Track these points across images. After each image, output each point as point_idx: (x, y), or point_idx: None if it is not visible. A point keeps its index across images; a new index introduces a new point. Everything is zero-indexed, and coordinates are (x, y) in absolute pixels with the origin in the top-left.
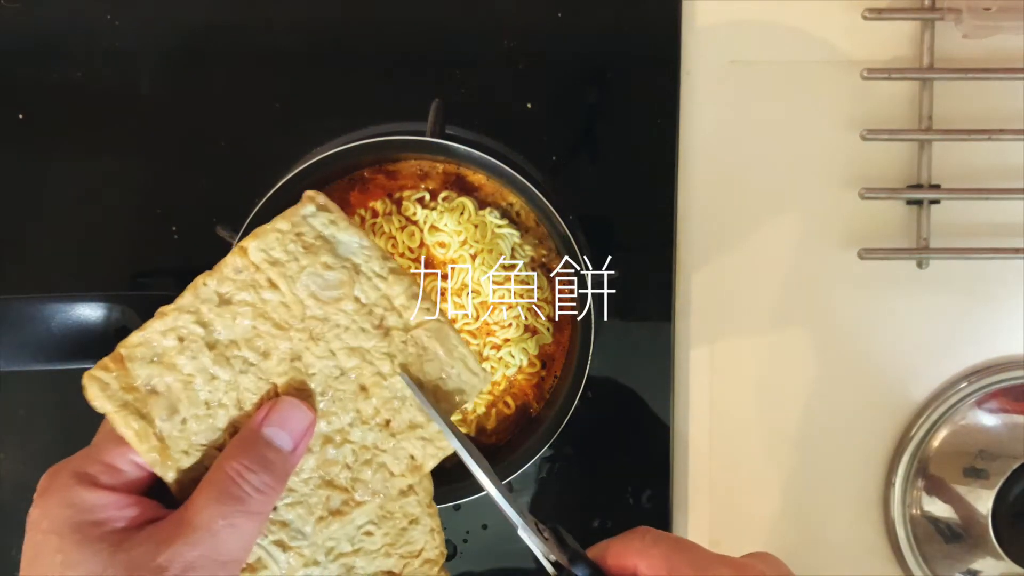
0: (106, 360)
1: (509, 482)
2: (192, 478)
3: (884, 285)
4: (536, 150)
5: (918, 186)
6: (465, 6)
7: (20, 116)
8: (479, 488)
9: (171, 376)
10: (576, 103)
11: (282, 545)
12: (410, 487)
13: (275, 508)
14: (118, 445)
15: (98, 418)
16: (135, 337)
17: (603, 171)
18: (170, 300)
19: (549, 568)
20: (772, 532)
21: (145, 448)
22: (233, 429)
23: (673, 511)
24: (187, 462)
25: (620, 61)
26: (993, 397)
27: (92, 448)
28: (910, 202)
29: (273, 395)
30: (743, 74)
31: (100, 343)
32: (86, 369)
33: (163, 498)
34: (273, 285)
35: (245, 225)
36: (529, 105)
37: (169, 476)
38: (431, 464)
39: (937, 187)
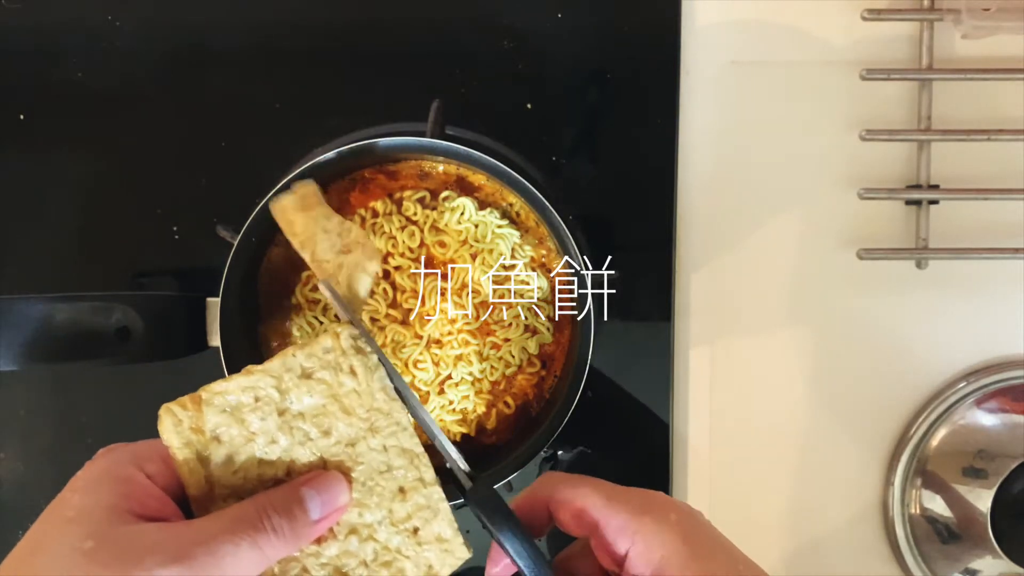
0: (185, 399)
1: (509, 482)
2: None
3: (883, 285)
4: (536, 150)
5: (917, 186)
6: (465, 6)
7: (20, 116)
8: None
9: (237, 429)
10: (576, 103)
11: None
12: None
13: None
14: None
15: (97, 415)
16: (218, 386)
17: (603, 171)
18: (171, 299)
19: (463, 480)
20: (772, 531)
21: (192, 482)
22: (273, 485)
23: None
24: (222, 506)
25: (620, 61)
26: (992, 397)
27: (154, 442)
28: (909, 202)
29: (320, 467)
30: (743, 74)
31: (100, 343)
32: (86, 369)
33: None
34: (353, 372)
35: (245, 225)
36: (529, 105)
37: (201, 512)
38: (447, 573)
39: (936, 187)
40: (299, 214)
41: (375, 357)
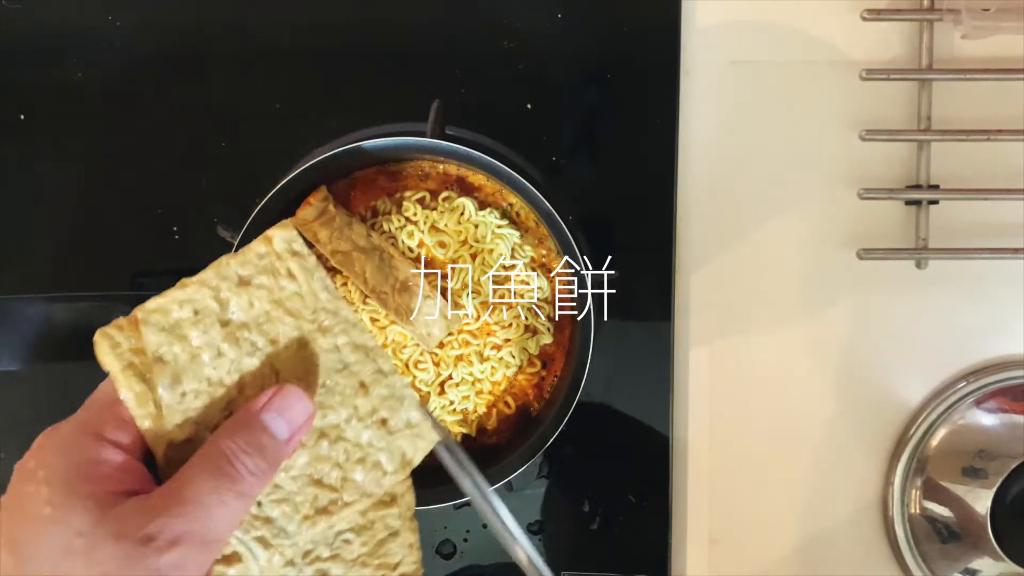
0: (121, 320)
1: (509, 481)
2: (180, 457)
3: (883, 285)
4: (536, 150)
5: (917, 186)
6: (465, 6)
7: (20, 116)
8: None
9: (180, 346)
10: (576, 103)
11: (263, 542)
12: (392, 499)
13: (259, 504)
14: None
15: None
16: (152, 303)
17: (603, 171)
18: None
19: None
20: (772, 531)
21: (142, 413)
22: (230, 412)
23: (673, 511)
24: (179, 436)
25: (620, 61)
26: (992, 397)
27: (99, 402)
28: (909, 202)
29: (275, 383)
30: (743, 74)
31: None
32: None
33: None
34: (292, 275)
35: (246, 225)
36: (529, 105)
37: (159, 448)
38: (420, 458)
39: (936, 187)
40: (323, 229)
41: (313, 258)
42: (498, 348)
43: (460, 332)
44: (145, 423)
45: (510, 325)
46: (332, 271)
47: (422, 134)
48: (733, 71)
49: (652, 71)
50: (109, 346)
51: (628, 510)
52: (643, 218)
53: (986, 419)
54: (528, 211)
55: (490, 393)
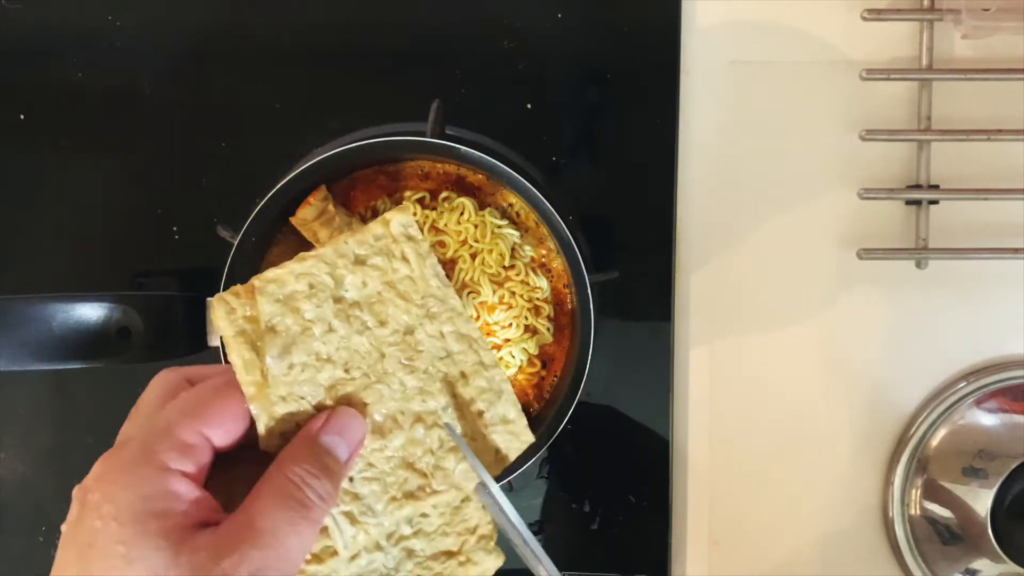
0: (238, 288)
1: (509, 481)
2: (281, 431)
3: (883, 285)
4: (536, 150)
5: (917, 186)
6: (465, 6)
7: (20, 116)
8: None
9: (292, 318)
10: (576, 103)
11: (351, 517)
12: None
13: (351, 479)
14: (190, 418)
15: (97, 415)
16: (270, 273)
17: (603, 171)
18: (171, 299)
19: None
20: (772, 532)
21: (249, 380)
22: (334, 391)
23: (673, 511)
24: (281, 410)
25: (620, 61)
26: (992, 397)
27: (159, 425)
28: (909, 202)
29: (380, 363)
30: (743, 74)
31: (100, 343)
32: (86, 369)
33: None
34: (405, 259)
35: (245, 225)
36: (529, 105)
37: (262, 419)
38: (513, 456)
39: (936, 187)
40: (323, 228)
41: (426, 244)
42: (498, 348)
43: None
44: (251, 390)
45: (510, 325)
46: None
47: (422, 134)
48: (733, 71)
49: (652, 71)
50: (224, 311)
51: (628, 510)
52: (643, 218)
53: (986, 419)
54: (528, 211)
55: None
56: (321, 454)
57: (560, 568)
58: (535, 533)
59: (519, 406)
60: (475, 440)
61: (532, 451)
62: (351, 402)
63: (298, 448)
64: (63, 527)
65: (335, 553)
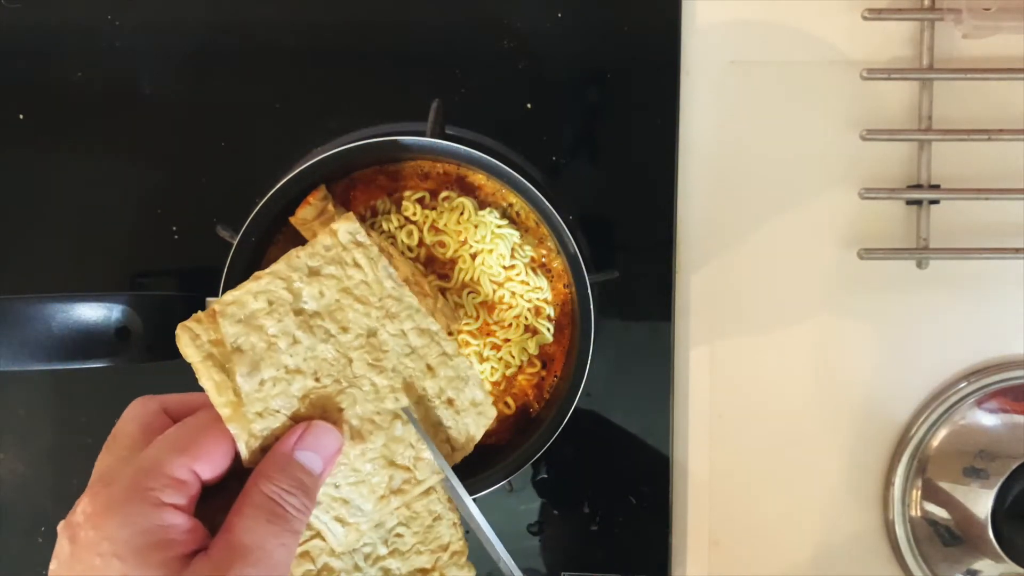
0: (200, 314)
1: (509, 481)
2: (262, 447)
3: (884, 285)
4: (536, 150)
5: (918, 186)
6: (465, 6)
7: (20, 116)
8: (478, 488)
9: (256, 336)
10: (576, 103)
11: (341, 520)
12: (430, 488)
13: (337, 486)
14: (180, 454)
15: (97, 415)
16: (229, 296)
17: (603, 171)
18: (171, 299)
19: None
20: (772, 533)
21: (222, 401)
22: (307, 401)
23: (673, 511)
24: (259, 426)
25: (620, 61)
26: (993, 397)
27: (149, 462)
28: (910, 202)
29: (348, 368)
30: (743, 74)
31: (100, 343)
32: (86, 369)
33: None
34: (358, 264)
35: (245, 225)
36: (529, 105)
37: (242, 438)
38: (481, 433)
39: (937, 187)
40: (323, 228)
41: (375, 248)
42: (498, 348)
43: (460, 332)
44: (226, 411)
45: (510, 325)
46: None
47: (422, 134)
48: (733, 71)
49: (652, 71)
50: (189, 338)
51: (628, 511)
52: (643, 218)
53: (987, 419)
54: (528, 211)
55: (490, 394)
56: (295, 470)
57: (560, 569)
58: (535, 534)
59: (486, 386)
60: (449, 427)
61: (532, 451)
62: (326, 409)
63: (272, 464)
64: (52, 565)
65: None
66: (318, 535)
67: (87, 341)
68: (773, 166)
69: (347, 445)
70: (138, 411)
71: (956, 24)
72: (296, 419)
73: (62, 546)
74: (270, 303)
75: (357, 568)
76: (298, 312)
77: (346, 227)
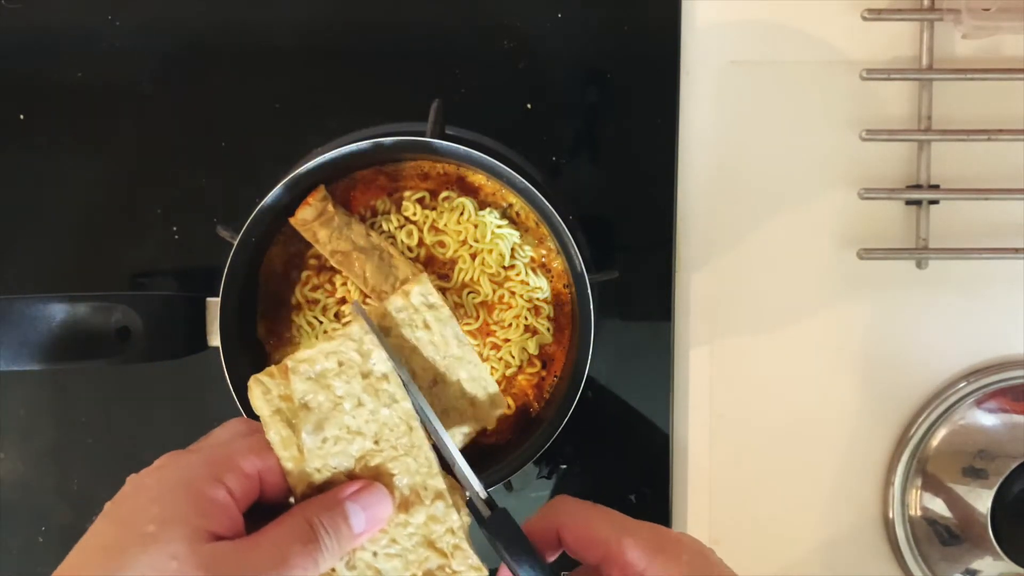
0: (272, 368)
1: (509, 481)
2: (313, 495)
3: (883, 285)
4: (536, 150)
5: (917, 186)
6: (465, 6)
7: (20, 116)
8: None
9: (324, 395)
10: (576, 103)
11: None
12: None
13: (375, 554)
14: (253, 454)
15: (97, 415)
16: (302, 354)
17: (603, 171)
18: (171, 299)
19: (481, 508)
20: (772, 532)
21: (287, 456)
22: (363, 462)
23: (673, 511)
24: (317, 479)
25: (620, 61)
26: (992, 397)
27: (227, 451)
28: (909, 202)
29: (407, 437)
30: (743, 74)
31: (100, 343)
32: (86, 369)
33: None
34: (427, 326)
35: (245, 225)
36: (529, 105)
37: (299, 488)
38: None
39: (936, 187)
40: (323, 229)
41: (447, 310)
42: (498, 348)
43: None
44: (288, 464)
45: (510, 325)
46: (331, 271)
47: (422, 134)
48: (733, 71)
49: (652, 71)
50: (261, 392)
51: (628, 510)
52: (643, 218)
53: (986, 419)
54: (528, 211)
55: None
56: (338, 515)
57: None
58: None
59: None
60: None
61: (532, 451)
62: (379, 472)
63: (321, 502)
64: (107, 504)
65: None
66: None
67: (87, 341)
68: (773, 166)
69: (391, 512)
70: (235, 424)
71: (956, 24)
72: (350, 477)
73: (123, 489)
74: (340, 364)
75: None
76: (365, 375)
77: (419, 289)
